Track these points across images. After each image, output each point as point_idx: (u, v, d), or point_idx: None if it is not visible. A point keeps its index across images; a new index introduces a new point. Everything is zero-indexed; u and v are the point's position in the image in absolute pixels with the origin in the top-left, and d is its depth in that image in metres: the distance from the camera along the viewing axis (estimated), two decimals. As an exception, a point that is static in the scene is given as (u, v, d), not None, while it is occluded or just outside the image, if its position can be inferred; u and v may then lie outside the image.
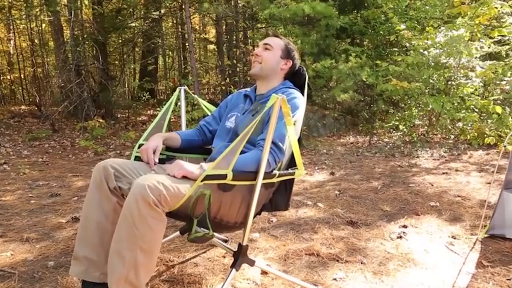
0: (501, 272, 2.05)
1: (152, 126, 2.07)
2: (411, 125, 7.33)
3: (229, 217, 1.62)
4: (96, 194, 1.62)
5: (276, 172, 1.65)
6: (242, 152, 1.58)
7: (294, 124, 1.64)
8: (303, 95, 1.85)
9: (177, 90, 2.31)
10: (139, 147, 1.91)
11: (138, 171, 1.69)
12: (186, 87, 2.35)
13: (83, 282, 1.61)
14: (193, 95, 2.62)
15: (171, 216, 1.53)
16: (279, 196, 1.86)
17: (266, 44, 1.91)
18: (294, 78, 1.97)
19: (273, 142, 1.60)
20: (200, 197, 1.45)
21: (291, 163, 1.81)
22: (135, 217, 1.37)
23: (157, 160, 1.78)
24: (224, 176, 1.47)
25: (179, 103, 2.36)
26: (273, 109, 1.45)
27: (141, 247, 1.40)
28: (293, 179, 1.87)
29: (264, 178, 1.57)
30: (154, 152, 1.77)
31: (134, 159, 1.88)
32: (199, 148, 2.08)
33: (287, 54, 1.92)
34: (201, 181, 1.42)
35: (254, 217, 1.76)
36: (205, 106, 2.41)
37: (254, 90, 1.99)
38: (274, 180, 1.67)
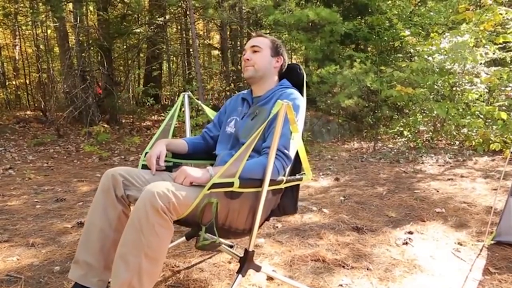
0: (508, 279, 2.03)
1: (158, 133, 2.07)
2: (416, 131, 7.31)
3: (238, 224, 1.61)
4: (102, 200, 1.63)
5: (283, 178, 1.65)
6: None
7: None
8: (302, 94, 1.82)
9: (181, 95, 2.31)
10: (145, 155, 1.92)
11: (147, 179, 1.70)
12: (190, 93, 2.35)
13: (76, 285, 1.61)
14: (196, 100, 2.62)
15: (179, 223, 1.53)
16: (287, 200, 1.85)
17: (253, 46, 1.84)
18: (292, 77, 1.91)
19: (280, 150, 1.60)
20: (208, 205, 1.44)
21: (295, 168, 1.81)
22: (143, 223, 1.37)
23: (162, 165, 1.78)
24: (230, 184, 1.46)
25: (183, 109, 2.36)
26: (278, 116, 1.44)
27: (146, 253, 1.39)
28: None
29: (272, 185, 1.57)
30: (159, 157, 1.77)
31: (141, 168, 1.89)
32: (205, 153, 2.07)
33: (276, 51, 1.87)
34: (208, 189, 1.42)
35: (262, 223, 1.76)
36: (209, 111, 2.41)
37: (251, 92, 1.94)
38: (282, 186, 1.67)
